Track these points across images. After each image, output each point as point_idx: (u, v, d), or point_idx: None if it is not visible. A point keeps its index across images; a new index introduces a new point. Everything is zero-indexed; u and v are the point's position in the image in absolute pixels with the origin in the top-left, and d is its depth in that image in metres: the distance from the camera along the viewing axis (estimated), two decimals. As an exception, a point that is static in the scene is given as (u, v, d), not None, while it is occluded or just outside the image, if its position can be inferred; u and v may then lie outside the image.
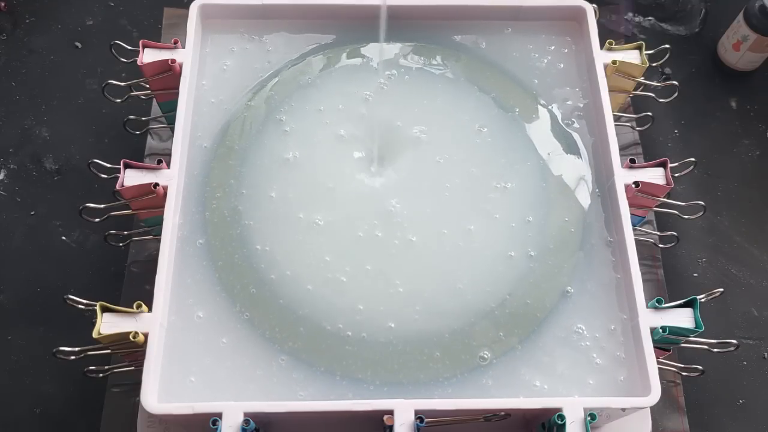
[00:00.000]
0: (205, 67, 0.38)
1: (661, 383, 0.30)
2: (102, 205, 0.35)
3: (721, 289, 0.32)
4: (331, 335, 0.32)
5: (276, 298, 0.33)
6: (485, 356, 0.32)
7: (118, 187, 0.33)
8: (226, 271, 0.33)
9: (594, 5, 0.39)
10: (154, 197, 0.33)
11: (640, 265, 0.32)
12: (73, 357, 0.31)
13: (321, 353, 0.32)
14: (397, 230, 0.35)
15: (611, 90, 0.37)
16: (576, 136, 0.37)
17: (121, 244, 0.38)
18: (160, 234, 0.32)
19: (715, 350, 0.33)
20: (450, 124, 0.38)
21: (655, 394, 0.30)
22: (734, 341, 0.32)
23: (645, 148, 0.44)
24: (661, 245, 0.39)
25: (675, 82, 0.39)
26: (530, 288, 0.33)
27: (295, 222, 0.35)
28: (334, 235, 0.34)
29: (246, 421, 0.29)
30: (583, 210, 0.35)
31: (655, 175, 0.34)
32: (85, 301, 0.31)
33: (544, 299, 0.33)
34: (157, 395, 0.30)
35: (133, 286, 0.39)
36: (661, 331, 0.31)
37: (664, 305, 0.31)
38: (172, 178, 0.34)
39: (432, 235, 0.35)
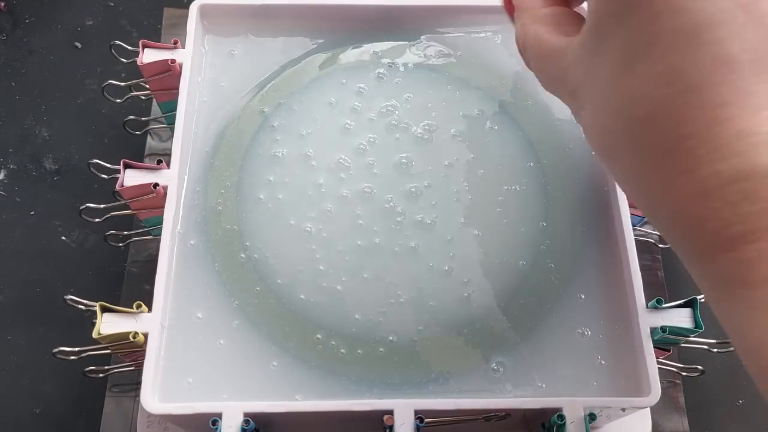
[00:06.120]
0: (205, 67, 0.38)
1: (661, 383, 0.30)
2: (102, 205, 0.35)
3: (721, 289, 0.32)
4: (327, 347, 0.32)
5: (273, 303, 0.33)
6: (498, 369, 0.32)
7: (118, 187, 0.33)
8: (224, 273, 0.33)
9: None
10: (154, 197, 0.33)
11: (640, 265, 0.32)
12: (73, 357, 0.31)
13: (319, 360, 0.32)
14: (397, 237, 0.34)
15: (611, 90, 0.37)
16: (576, 135, 0.37)
17: (121, 245, 0.38)
18: (159, 234, 0.32)
19: (715, 350, 0.33)
20: (455, 121, 0.37)
21: (655, 394, 0.30)
22: (734, 341, 0.32)
23: (645, 148, 0.44)
24: (661, 245, 0.39)
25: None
26: (539, 293, 0.33)
27: (288, 227, 0.34)
28: (331, 242, 0.34)
29: (246, 421, 0.29)
30: (585, 211, 0.35)
31: (655, 175, 0.34)
32: (85, 301, 0.31)
33: (552, 304, 0.33)
34: (156, 395, 0.30)
35: (133, 286, 0.39)
36: (661, 331, 0.31)
37: (664, 305, 0.31)
38: (172, 178, 0.34)
39: (436, 241, 0.34)
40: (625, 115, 0.21)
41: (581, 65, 0.23)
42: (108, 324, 0.30)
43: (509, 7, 0.31)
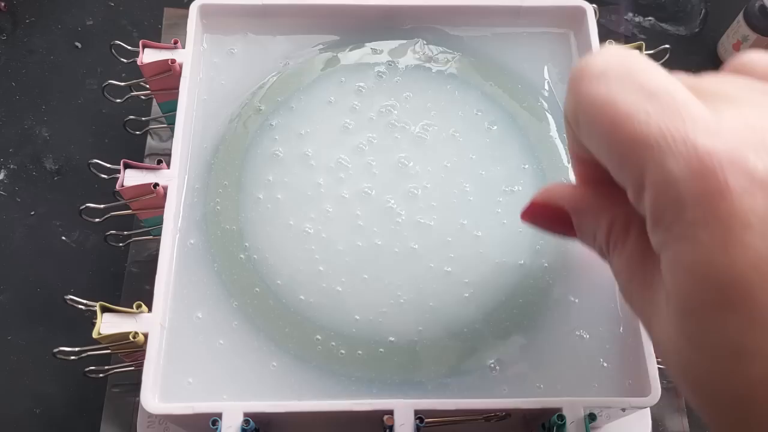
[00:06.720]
0: (205, 65, 0.38)
1: (661, 383, 0.30)
2: (102, 205, 0.35)
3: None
4: (327, 347, 0.32)
5: (272, 304, 0.33)
6: (498, 369, 0.31)
7: (118, 187, 0.33)
8: (224, 273, 0.33)
9: (594, 5, 0.39)
10: (154, 197, 0.33)
11: (640, 265, 0.32)
12: (73, 357, 0.31)
13: (319, 361, 0.31)
14: (397, 238, 0.34)
15: (611, 90, 0.37)
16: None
17: (121, 245, 0.38)
18: (159, 234, 0.32)
19: (715, 350, 0.33)
20: (454, 121, 0.37)
21: (655, 394, 0.30)
22: (734, 341, 0.32)
23: (645, 148, 0.44)
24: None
25: (675, 82, 0.39)
26: (539, 294, 0.33)
27: (288, 227, 0.34)
28: (330, 242, 0.34)
29: (246, 421, 0.29)
30: (583, 210, 0.35)
31: (655, 175, 0.34)
32: (85, 301, 0.31)
33: (552, 305, 0.33)
34: (157, 395, 0.30)
35: (133, 286, 0.39)
36: (660, 331, 0.31)
37: (664, 305, 0.31)
38: (172, 178, 0.34)
39: (436, 242, 0.34)
40: (738, 409, 0.19)
41: (669, 334, 0.21)
42: (108, 324, 0.30)
43: (548, 215, 0.25)
